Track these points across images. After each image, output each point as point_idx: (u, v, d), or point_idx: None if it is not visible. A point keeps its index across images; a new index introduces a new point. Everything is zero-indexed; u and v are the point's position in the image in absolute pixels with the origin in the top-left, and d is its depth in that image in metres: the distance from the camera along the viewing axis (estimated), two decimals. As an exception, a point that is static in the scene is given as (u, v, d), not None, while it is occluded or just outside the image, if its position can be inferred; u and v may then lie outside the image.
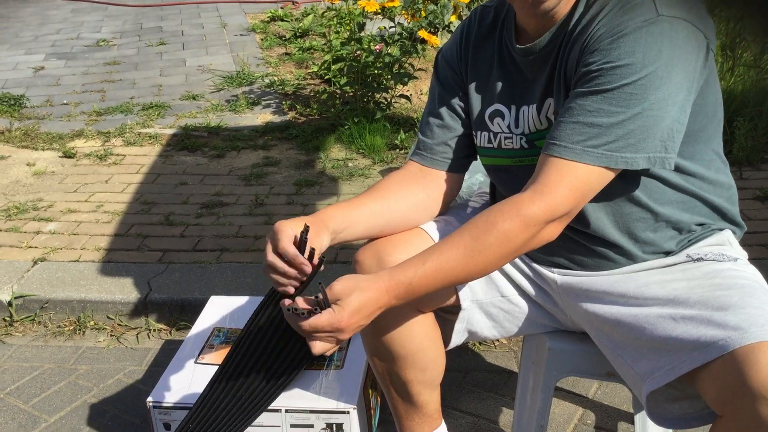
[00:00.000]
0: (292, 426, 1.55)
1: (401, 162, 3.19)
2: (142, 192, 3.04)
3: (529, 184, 1.16)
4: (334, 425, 1.54)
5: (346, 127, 3.42)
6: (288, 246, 1.18)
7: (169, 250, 2.57)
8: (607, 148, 1.11)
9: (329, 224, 1.27)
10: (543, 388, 1.43)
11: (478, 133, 1.35)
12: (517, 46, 1.26)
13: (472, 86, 1.35)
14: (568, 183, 1.13)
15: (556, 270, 1.34)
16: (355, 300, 1.12)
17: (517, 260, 1.38)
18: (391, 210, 1.35)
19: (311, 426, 1.55)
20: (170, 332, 2.25)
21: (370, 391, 1.70)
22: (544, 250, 1.35)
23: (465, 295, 1.35)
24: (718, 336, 1.06)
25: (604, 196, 1.19)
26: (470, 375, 2.00)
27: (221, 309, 1.91)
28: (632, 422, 1.82)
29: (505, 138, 1.31)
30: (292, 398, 1.56)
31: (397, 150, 3.31)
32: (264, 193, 2.99)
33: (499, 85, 1.31)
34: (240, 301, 1.95)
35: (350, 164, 3.23)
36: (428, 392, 1.44)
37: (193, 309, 2.21)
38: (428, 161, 1.39)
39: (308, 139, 3.46)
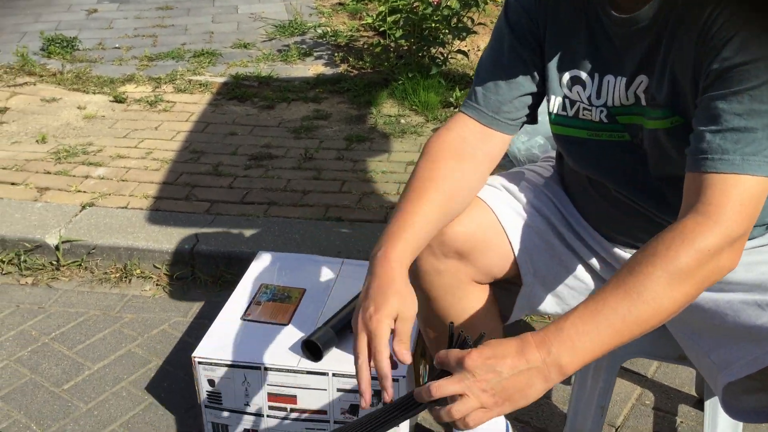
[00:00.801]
0: (339, 390, 1.50)
1: (456, 121, 3.07)
2: (191, 140, 3.00)
3: (689, 208, 0.99)
4: (383, 392, 1.48)
5: (399, 82, 3.32)
6: (383, 362, 1.01)
7: (216, 201, 2.53)
8: (766, 155, 0.97)
9: (405, 262, 1.09)
10: (607, 369, 1.35)
11: (553, 97, 1.22)
12: (613, 13, 1.10)
13: (551, 43, 1.20)
14: (737, 200, 0.96)
15: (629, 250, 1.24)
16: (490, 342, 0.95)
17: (588, 236, 1.29)
18: (455, 201, 1.20)
19: (357, 392, 1.49)
20: (216, 285, 2.22)
21: (420, 359, 1.64)
22: (622, 229, 1.25)
23: (526, 269, 1.26)
24: None
25: None
26: (522, 346, 1.92)
27: (269, 265, 1.86)
28: (693, 405, 1.73)
29: (584, 109, 1.19)
30: (341, 362, 1.51)
31: (452, 108, 3.19)
32: (313, 147, 2.92)
33: (583, 48, 1.17)
34: (288, 258, 1.90)
35: (402, 121, 3.13)
36: None
37: (239, 263, 2.17)
38: (491, 121, 1.23)
39: (360, 93, 3.37)
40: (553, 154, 1.44)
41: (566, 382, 1.80)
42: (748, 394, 1.11)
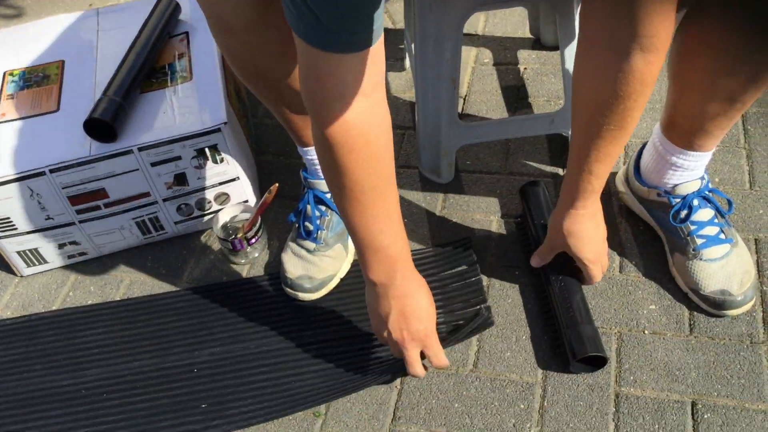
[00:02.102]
0: (154, 164, 1.22)
1: None
2: None
3: (628, 40, 0.83)
4: (207, 149, 1.22)
5: None
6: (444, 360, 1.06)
7: None
8: None
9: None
10: (449, 34, 1.15)
11: None
12: None
13: None
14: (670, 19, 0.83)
15: None
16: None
17: None
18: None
19: (178, 158, 1.22)
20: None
21: (235, 95, 1.36)
22: None
23: None
24: None
25: None
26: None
27: (3, 46, 1.42)
28: (532, 47, 1.62)
29: None
30: (142, 132, 1.21)
31: None
32: None
33: None
34: (22, 29, 1.46)
35: None
36: None
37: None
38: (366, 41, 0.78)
39: None
40: None
41: (393, 60, 1.61)
42: None
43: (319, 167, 1.20)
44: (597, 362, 1.06)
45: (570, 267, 1.13)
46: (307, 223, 1.23)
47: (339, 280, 1.23)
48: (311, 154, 1.20)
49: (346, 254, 1.25)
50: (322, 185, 1.22)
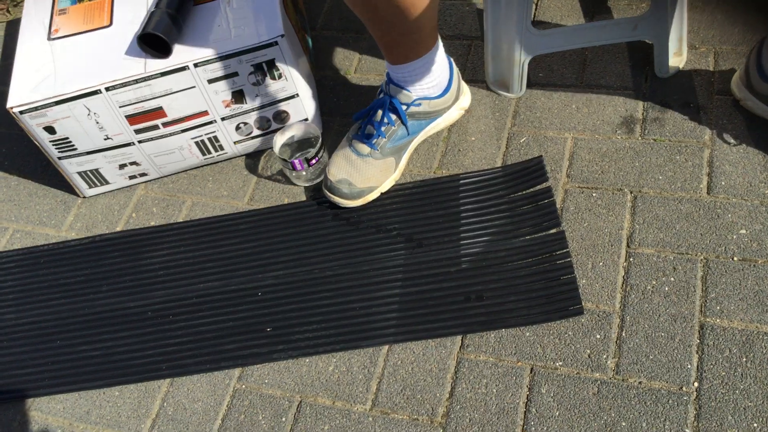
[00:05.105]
0: (211, 81, 1.17)
1: None
2: None
3: None
4: (264, 64, 1.16)
5: None
6: None
7: None
8: None
9: None
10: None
11: None
12: None
13: None
14: None
15: None
16: None
17: None
18: None
19: (235, 74, 1.16)
20: (7, 10, 1.71)
21: (292, 7, 1.29)
22: None
23: None
24: None
25: None
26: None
27: (53, -43, 1.37)
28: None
29: None
30: (196, 47, 1.15)
31: None
32: None
33: None
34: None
35: None
36: (434, 16, 1.04)
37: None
38: None
39: None
40: None
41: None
42: None
43: (408, 80, 1.13)
44: None
45: None
46: (369, 126, 1.17)
47: (379, 194, 1.18)
48: (401, 71, 1.12)
49: (394, 170, 1.19)
50: (402, 96, 1.15)
